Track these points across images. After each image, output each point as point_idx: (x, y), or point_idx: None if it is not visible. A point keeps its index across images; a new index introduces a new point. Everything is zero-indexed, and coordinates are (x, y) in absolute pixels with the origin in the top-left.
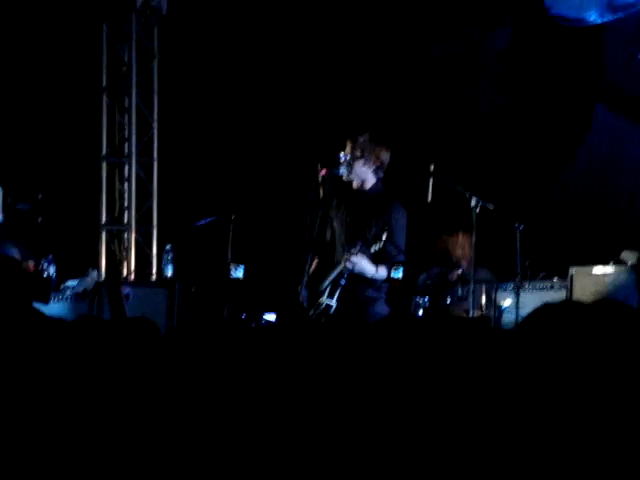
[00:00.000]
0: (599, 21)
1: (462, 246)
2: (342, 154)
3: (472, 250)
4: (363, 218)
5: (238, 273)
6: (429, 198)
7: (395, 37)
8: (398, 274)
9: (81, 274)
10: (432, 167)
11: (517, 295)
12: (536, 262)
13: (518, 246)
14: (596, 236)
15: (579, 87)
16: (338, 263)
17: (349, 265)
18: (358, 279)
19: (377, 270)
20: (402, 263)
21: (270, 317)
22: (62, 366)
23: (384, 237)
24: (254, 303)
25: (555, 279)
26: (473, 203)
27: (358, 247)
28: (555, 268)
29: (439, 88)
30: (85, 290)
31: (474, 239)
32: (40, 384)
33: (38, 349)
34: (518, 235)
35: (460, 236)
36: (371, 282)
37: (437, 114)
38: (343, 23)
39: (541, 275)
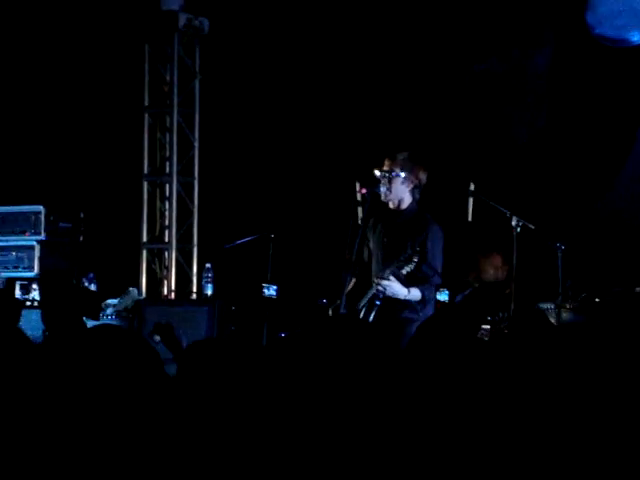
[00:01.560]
0: None
1: (495, 267)
2: (377, 171)
3: (502, 271)
4: (399, 239)
5: (271, 292)
6: (469, 217)
7: (436, 56)
8: (444, 297)
9: (122, 292)
10: (472, 186)
11: (558, 316)
12: (577, 282)
13: (559, 266)
14: (637, 257)
15: (621, 107)
16: (373, 284)
17: (380, 289)
18: (394, 300)
19: (409, 291)
20: (447, 287)
21: None
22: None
23: (415, 259)
24: (292, 322)
25: (596, 300)
26: (514, 223)
27: (388, 272)
28: (597, 289)
29: (480, 107)
30: (126, 308)
31: (515, 259)
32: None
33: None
34: (559, 255)
35: (493, 257)
36: (407, 303)
37: (478, 133)
38: (384, 42)
39: (582, 296)
